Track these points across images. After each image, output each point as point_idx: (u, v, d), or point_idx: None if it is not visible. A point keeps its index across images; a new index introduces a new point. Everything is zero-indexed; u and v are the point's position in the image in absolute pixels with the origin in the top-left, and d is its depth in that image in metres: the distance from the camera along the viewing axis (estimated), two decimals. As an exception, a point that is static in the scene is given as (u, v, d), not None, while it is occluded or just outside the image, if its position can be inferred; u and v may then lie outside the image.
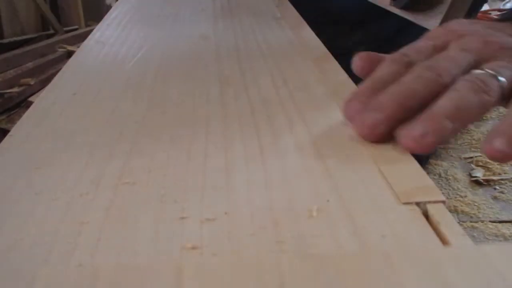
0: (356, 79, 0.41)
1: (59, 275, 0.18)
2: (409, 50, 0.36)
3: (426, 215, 0.23)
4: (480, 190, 1.51)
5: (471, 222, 1.37)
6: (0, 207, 0.25)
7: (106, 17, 0.68)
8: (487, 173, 1.59)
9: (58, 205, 0.25)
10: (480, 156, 1.67)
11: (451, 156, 1.71)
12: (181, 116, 0.35)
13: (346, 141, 0.30)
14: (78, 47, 0.65)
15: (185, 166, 0.28)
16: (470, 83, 0.30)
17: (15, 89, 1.86)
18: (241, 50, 0.51)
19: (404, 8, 0.55)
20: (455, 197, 1.47)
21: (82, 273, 0.18)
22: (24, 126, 0.35)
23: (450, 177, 1.58)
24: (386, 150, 0.29)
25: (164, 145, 0.31)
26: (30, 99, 1.84)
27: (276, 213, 0.23)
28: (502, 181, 1.54)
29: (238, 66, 0.45)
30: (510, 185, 1.52)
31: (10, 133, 0.33)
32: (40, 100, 0.39)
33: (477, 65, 0.33)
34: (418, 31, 0.42)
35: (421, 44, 0.37)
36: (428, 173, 0.31)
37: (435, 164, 1.65)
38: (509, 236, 1.31)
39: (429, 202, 0.24)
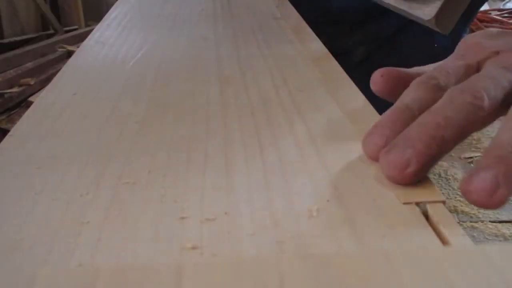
0: (356, 79, 0.41)
1: (59, 275, 0.18)
2: (437, 71, 0.30)
3: (426, 215, 0.23)
4: (480, 190, 1.51)
5: (471, 222, 1.37)
6: (0, 207, 0.25)
7: (106, 17, 0.68)
8: (487, 173, 1.58)
9: (58, 205, 0.25)
10: (480, 156, 1.67)
11: (451, 156, 1.71)
12: (181, 116, 0.35)
13: (346, 141, 0.30)
14: (78, 47, 0.65)
15: (185, 166, 0.28)
16: None
17: (15, 89, 1.86)
18: (241, 50, 0.51)
19: None
20: (455, 197, 1.47)
21: (82, 273, 0.18)
22: (24, 126, 0.35)
23: (450, 177, 1.58)
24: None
25: (164, 145, 0.31)
26: (30, 99, 1.84)
27: (276, 213, 0.23)
28: (502, 181, 1.54)
29: (238, 66, 0.45)
30: (510, 185, 1.52)
31: (10, 133, 0.33)
32: (40, 100, 0.39)
33: None
34: (418, 31, 0.41)
35: (450, 64, 0.31)
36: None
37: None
38: (509, 236, 1.31)
39: (429, 202, 0.24)
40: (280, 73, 0.43)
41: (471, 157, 1.68)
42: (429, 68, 0.33)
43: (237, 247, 0.21)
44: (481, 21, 2.46)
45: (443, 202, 0.24)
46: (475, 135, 1.82)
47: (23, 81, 1.92)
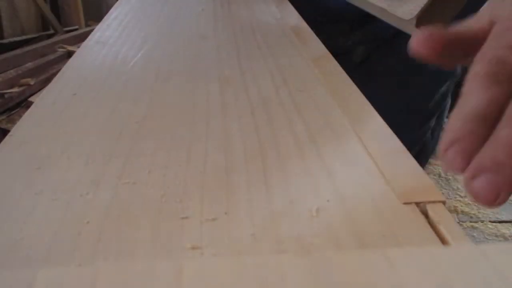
0: (356, 79, 0.41)
1: (59, 275, 0.18)
2: (502, 49, 0.24)
3: (426, 215, 0.23)
4: (480, 190, 1.51)
5: (471, 222, 1.37)
6: (0, 207, 0.25)
7: (106, 17, 0.68)
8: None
9: (58, 205, 0.25)
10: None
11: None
12: (181, 116, 0.35)
13: (346, 141, 0.30)
14: (78, 47, 0.65)
15: (185, 166, 0.28)
16: None
17: (15, 89, 1.86)
18: (241, 50, 0.51)
19: None
20: (455, 197, 1.47)
21: (82, 273, 0.18)
22: (24, 126, 0.35)
23: (450, 177, 1.58)
24: (387, 150, 0.29)
25: (164, 145, 0.31)
26: (30, 99, 1.84)
27: (276, 213, 0.23)
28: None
29: (238, 66, 0.45)
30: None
31: (10, 133, 0.33)
32: (40, 100, 0.39)
33: None
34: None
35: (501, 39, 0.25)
36: (428, 173, 0.31)
37: (435, 164, 1.65)
38: (509, 236, 1.31)
39: (429, 202, 0.24)
40: (280, 73, 0.43)
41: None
42: (478, 21, 0.28)
43: (237, 247, 0.21)
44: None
45: (443, 202, 0.24)
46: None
47: (23, 81, 1.92)
